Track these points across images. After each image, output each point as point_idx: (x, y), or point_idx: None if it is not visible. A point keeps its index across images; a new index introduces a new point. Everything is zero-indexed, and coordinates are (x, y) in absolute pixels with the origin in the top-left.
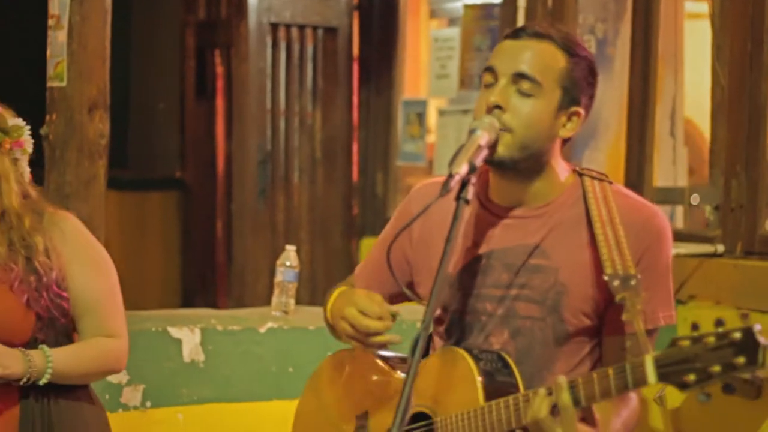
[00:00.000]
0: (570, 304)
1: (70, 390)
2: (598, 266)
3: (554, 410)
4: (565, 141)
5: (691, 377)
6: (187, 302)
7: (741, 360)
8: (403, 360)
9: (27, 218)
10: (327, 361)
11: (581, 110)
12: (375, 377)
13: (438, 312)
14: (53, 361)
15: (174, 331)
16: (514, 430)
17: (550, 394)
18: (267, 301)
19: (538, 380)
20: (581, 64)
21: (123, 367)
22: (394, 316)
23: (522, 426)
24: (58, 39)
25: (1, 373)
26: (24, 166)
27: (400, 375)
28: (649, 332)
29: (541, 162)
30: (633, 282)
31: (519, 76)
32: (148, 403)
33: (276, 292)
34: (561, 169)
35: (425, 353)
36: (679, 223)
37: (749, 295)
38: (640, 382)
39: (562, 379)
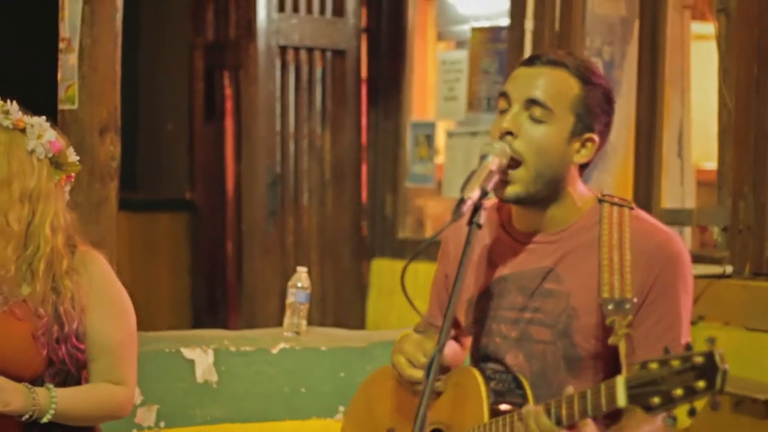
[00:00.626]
0: (580, 329)
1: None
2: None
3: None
4: (583, 167)
5: (656, 400)
6: (197, 323)
7: (702, 384)
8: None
9: (66, 259)
10: (370, 377)
11: (595, 137)
12: (404, 395)
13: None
14: (57, 401)
15: (187, 352)
16: None
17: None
18: (277, 322)
19: None
20: (596, 92)
21: (126, 414)
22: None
23: None
24: (69, 62)
25: (2, 410)
26: (66, 193)
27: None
28: None
29: (558, 189)
30: (627, 306)
31: (531, 102)
32: (162, 424)
33: (288, 313)
34: (579, 194)
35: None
36: (687, 245)
37: (757, 316)
38: (612, 403)
39: (539, 407)
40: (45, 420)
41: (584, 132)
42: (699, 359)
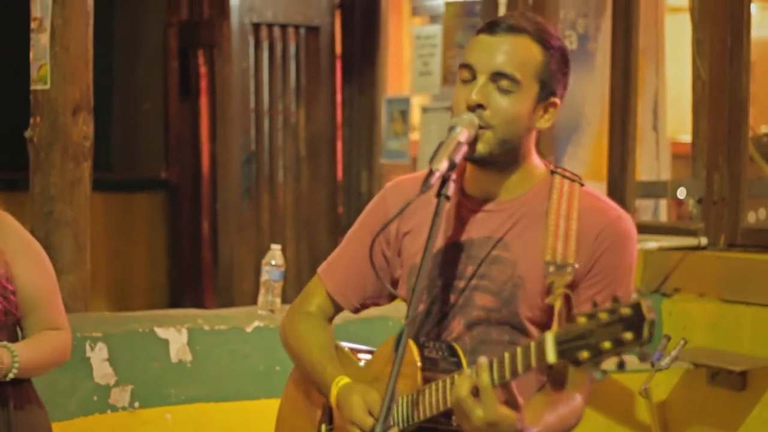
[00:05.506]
0: (526, 298)
1: (24, 394)
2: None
3: (476, 392)
4: (540, 132)
5: (585, 354)
6: (175, 302)
7: (629, 335)
8: (368, 351)
9: None
10: None
11: (557, 100)
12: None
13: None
14: (18, 356)
15: (161, 332)
16: (448, 412)
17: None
18: (254, 300)
19: None
20: (555, 55)
21: (68, 357)
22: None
23: (450, 407)
24: (40, 42)
25: None
26: None
27: (360, 365)
28: None
29: (518, 154)
30: (568, 269)
31: (498, 75)
32: (137, 404)
33: (262, 291)
34: (536, 163)
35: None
36: (663, 217)
37: (733, 287)
38: (542, 359)
39: (483, 359)
40: (9, 377)
41: (548, 97)
42: (626, 311)
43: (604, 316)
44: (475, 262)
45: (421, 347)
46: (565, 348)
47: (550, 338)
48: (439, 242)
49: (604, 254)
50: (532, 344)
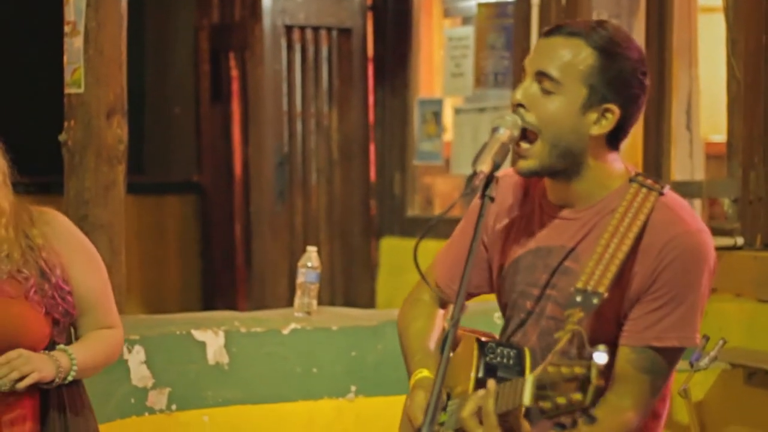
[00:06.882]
0: None
1: (78, 397)
2: (619, 275)
3: (480, 414)
4: (611, 140)
5: (547, 405)
6: (207, 305)
7: (578, 396)
8: (483, 334)
9: (25, 214)
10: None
11: (615, 107)
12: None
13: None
14: (76, 358)
15: (198, 334)
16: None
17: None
18: (287, 303)
19: None
20: (618, 63)
21: (118, 356)
22: None
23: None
24: (74, 45)
25: (38, 377)
26: None
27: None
28: (659, 350)
29: (577, 162)
30: (594, 301)
31: (540, 74)
32: (174, 406)
33: (298, 293)
34: (609, 169)
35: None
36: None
37: None
38: (520, 400)
39: (492, 384)
40: (69, 379)
41: (601, 103)
42: (579, 370)
43: (565, 371)
44: (548, 271)
45: (484, 351)
46: (539, 394)
47: (530, 380)
48: (523, 247)
49: (666, 269)
50: (519, 382)
